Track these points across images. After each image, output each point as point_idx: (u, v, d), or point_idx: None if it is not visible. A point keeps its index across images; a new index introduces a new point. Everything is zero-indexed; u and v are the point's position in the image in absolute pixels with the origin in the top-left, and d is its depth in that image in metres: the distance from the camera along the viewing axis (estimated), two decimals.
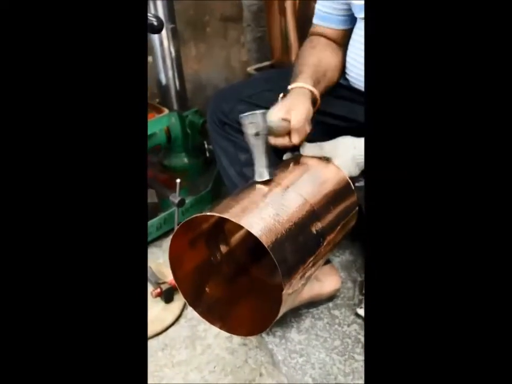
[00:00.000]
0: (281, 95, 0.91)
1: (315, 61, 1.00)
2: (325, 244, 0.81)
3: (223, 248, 0.92)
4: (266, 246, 0.66)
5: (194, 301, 0.83)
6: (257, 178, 0.81)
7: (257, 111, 0.79)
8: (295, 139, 0.85)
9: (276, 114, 0.83)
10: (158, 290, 1.17)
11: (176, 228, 0.76)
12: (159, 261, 1.33)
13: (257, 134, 0.79)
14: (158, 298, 1.18)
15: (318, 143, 0.92)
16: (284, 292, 0.69)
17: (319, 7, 1.05)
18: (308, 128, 0.87)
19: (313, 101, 0.93)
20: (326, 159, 0.91)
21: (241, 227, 0.70)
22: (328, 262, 1.16)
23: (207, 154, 1.49)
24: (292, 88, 0.93)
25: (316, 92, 0.93)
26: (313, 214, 0.78)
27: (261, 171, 0.80)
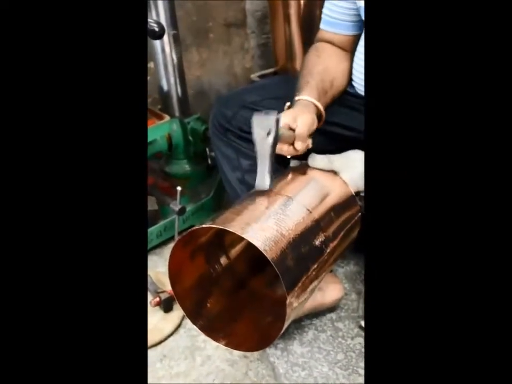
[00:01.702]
0: (287, 104, 0.90)
1: (321, 70, 0.97)
2: (328, 255, 0.78)
3: (223, 261, 0.90)
4: (270, 259, 0.64)
5: (195, 315, 0.80)
6: (258, 185, 0.77)
7: (271, 112, 0.75)
8: (299, 146, 0.84)
9: (282, 121, 0.81)
10: (157, 299, 1.14)
11: (175, 240, 0.74)
12: (158, 269, 1.30)
13: (268, 134, 0.75)
14: (157, 308, 1.15)
15: (328, 156, 0.90)
16: (288, 306, 0.66)
17: (326, 12, 1.02)
18: (309, 140, 0.86)
19: (318, 116, 0.91)
20: (334, 172, 0.89)
21: (241, 239, 0.68)
22: (330, 271, 1.13)
23: (209, 161, 1.47)
24: (297, 100, 0.91)
25: (321, 107, 0.91)
26: (317, 225, 0.76)
27: (263, 178, 0.76)
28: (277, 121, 0.75)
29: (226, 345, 0.78)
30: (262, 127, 0.75)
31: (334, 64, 1.00)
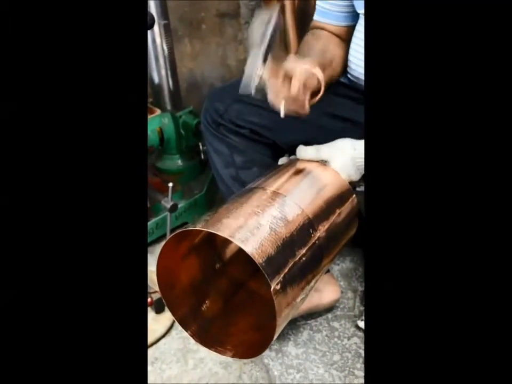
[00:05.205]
0: None
1: (320, 49, 0.94)
2: (323, 255, 0.75)
3: (219, 261, 0.86)
4: (257, 263, 0.61)
5: (188, 323, 0.77)
6: (243, 87, 0.72)
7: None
8: (295, 82, 0.77)
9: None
10: (149, 299, 1.11)
11: (163, 243, 0.71)
12: (150, 268, 1.27)
13: (267, 24, 0.69)
14: (149, 308, 1.12)
15: (315, 146, 0.87)
16: (273, 293, 0.63)
17: (319, 3, 1.00)
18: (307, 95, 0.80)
19: (317, 89, 0.85)
20: (324, 163, 0.86)
21: None
22: (327, 271, 1.10)
23: (202, 156, 1.44)
24: None
25: (320, 76, 0.84)
26: (310, 224, 0.73)
27: (249, 79, 0.70)
28: (279, 11, 0.70)
29: (217, 352, 0.75)
30: (262, 17, 0.69)
31: (333, 46, 0.98)
